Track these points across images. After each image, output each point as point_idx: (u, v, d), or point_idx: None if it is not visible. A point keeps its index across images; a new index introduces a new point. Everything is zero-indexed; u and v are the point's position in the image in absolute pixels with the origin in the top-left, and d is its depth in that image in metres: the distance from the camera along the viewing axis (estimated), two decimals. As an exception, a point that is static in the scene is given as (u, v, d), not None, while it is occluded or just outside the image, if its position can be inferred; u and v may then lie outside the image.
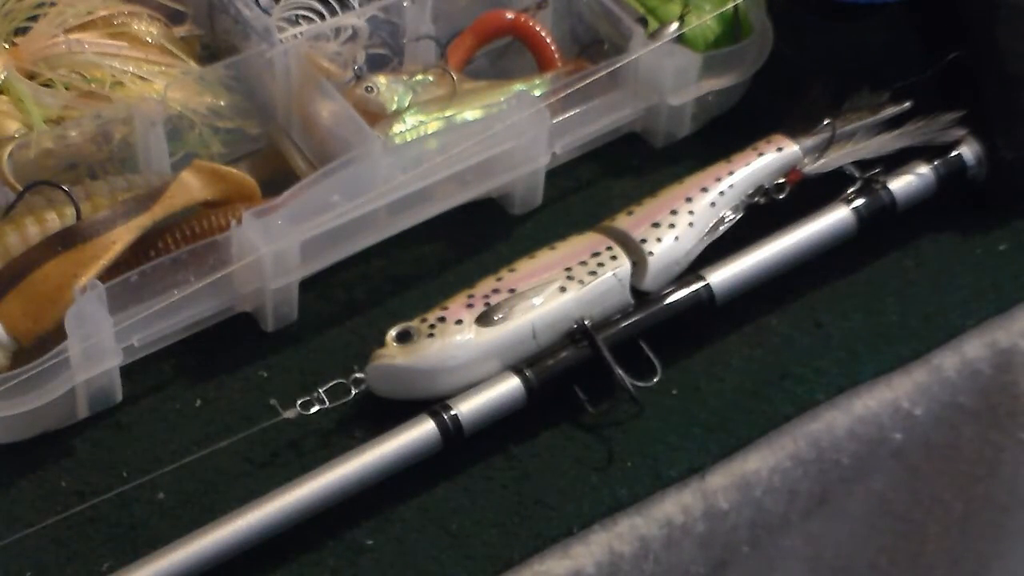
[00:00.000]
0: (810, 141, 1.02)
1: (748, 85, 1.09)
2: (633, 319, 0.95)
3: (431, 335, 0.91)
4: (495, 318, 0.92)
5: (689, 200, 0.99)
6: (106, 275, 0.91)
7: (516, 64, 1.10)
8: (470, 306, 0.93)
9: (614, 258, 0.95)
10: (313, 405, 0.90)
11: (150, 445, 0.91)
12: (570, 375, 0.92)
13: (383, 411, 0.91)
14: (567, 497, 0.89)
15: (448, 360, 0.91)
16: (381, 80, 1.03)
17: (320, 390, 0.90)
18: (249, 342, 0.96)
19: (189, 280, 0.91)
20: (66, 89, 1.00)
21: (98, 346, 0.88)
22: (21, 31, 1.02)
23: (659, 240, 0.97)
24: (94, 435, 0.91)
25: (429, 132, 1.01)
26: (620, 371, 0.92)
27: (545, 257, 0.96)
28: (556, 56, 1.08)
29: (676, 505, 0.91)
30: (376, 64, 1.06)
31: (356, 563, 0.86)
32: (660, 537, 0.90)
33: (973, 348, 0.99)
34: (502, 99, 1.03)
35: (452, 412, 0.89)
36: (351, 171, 0.95)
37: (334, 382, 0.91)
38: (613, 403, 0.93)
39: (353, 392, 0.91)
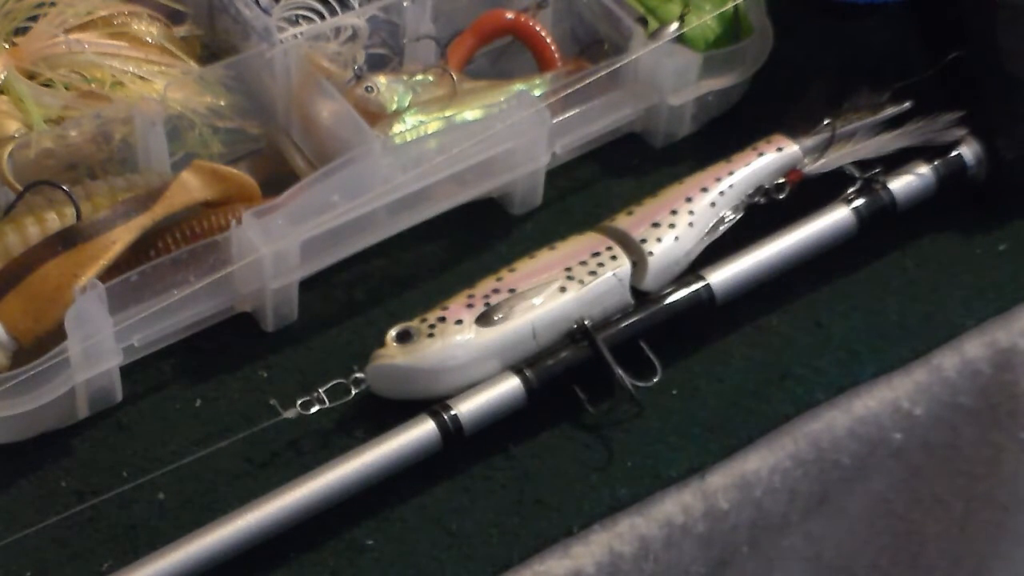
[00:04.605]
0: (810, 141, 1.02)
1: (748, 85, 1.09)
2: (633, 319, 0.95)
3: (431, 335, 0.91)
4: (495, 318, 0.92)
5: (689, 200, 0.99)
6: (106, 275, 0.91)
7: (516, 64, 1.10)
8: (470, 306, 0.93)
9: (614, 258, 0.95)
10: (313, 405, 0.90)
11: (150, 445, 0.91)
12: (570, 375, 0.92)
13: (383, 411, 0.91)
14: (567, 497, 0.89)
15: (448, 360, 0.91)
16: (381, 80, 1.03)
17: (320, 390, 0.90)
18: (249, 342, 0.96)
19: (189, 280, 0.91)
20: (66, 89, 1.00)
21: (98, 346, 0.88)
22: (21, 31, 1.02)
23: (659, 240, 0.97)
24: (94, 435, 0.91)
25: (429, 132, 1.01)
26: (620, 371, 0.92)
27: (545, 257, 0.96)
28: (556, 56, 1.08)
29: (676, 505, 0.91)
30: (376, 64, 1.06)
31: (356, 563, 0.86)
32: (660, 537, 0.90)
33: (973, 348, 0.99)
34: (502, 99, 1.03)
35: (452, 412, 0.89)
36: (351, 171, 0.95)
37: (334, 382, 0.91)
38: (613, 403, 0.93)
39: (353, 392, 0.91)
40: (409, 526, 0.88)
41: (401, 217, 0.98)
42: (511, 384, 0.91)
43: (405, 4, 1.06)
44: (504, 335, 0.92)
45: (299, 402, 0.90)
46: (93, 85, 1.00)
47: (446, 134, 1.00)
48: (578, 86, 1.01)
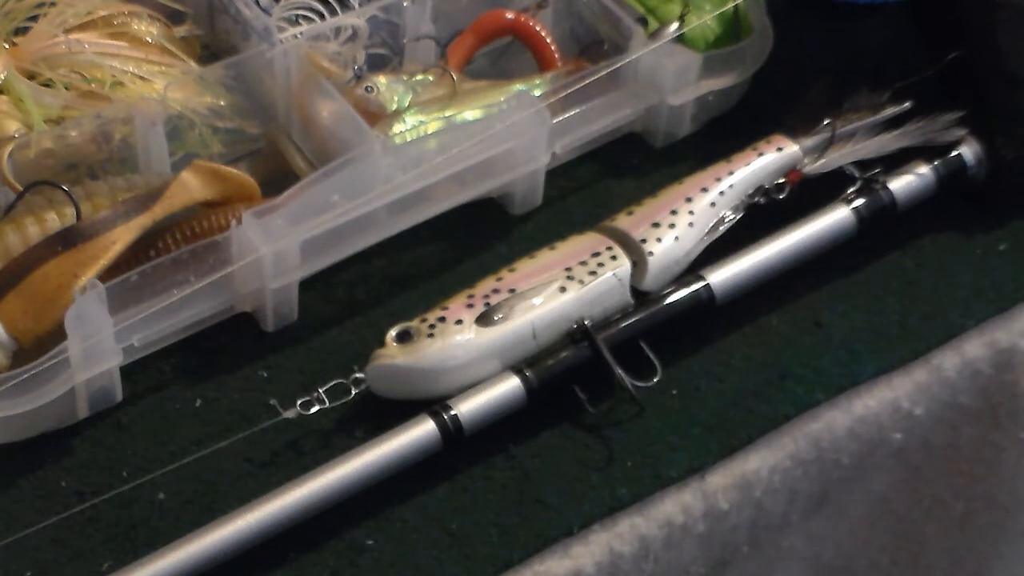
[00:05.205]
0: (810, 141, 1.02)
1: (748, 85, 1.09)
2: (633, 319, 0.95)
3: (431, 335, 0.91)
4: (495, 318, 0.92)
5: (689, 200, 0.99)
6: (106, 275, 0.91)
7: (516, 64, 1.10)
8: (470, 306, 0.93)
9: (614, 258, 0.95)
10: (313, 405, 0.90)
11: (150, 445, 0.91)
12: (570, 375, 0.92)
13: (383, 411, 0.91)
14: (567, 497, 0.89)
15: (448, 360, 0.91)
16: (381, 80, 1.03)
17: (320, 390, 0.90)
18: (249, 342, 0.96)
19: (189, 280, 0.91)
20: (66, 89, 1.00)
21: (98, 346, 0.88)
22: (21, 31, 1.02)
23: (659, 240, 0.97)
24: (94, 435, 0.91)
25: (429, 132, 1.01)
26: (620, 371, 0.92)
27: (545, 257, 0.96)
28: (556, 56, 1.08)
29: (676, 505, 0.91)
30: (376, 64, 1.06)
31: (356, 563, 0.86)
32: (660, 537, 0.90)
33: (973, 348, 0.99)
34: (502, 99, 1.03)
35: (452, 412, 0.89)
36: (351, 171, 0.95)
37: (334, 382, 0.91)
38: (613, 403, 0.93)
39: (353, 392, 0.91)
40: (409, 526, 0.88)
41: (401, 217, 0.98)
42: (511, 384, 0.91)
43: (405, 4, 1.06)
44: (504, 335, 0.92)
45: (299, 402, 0.90)
46: (93, 85, 1.00)
47: (446, 134, 1.00)
48: (578, 86, 1.01)
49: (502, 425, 0.91)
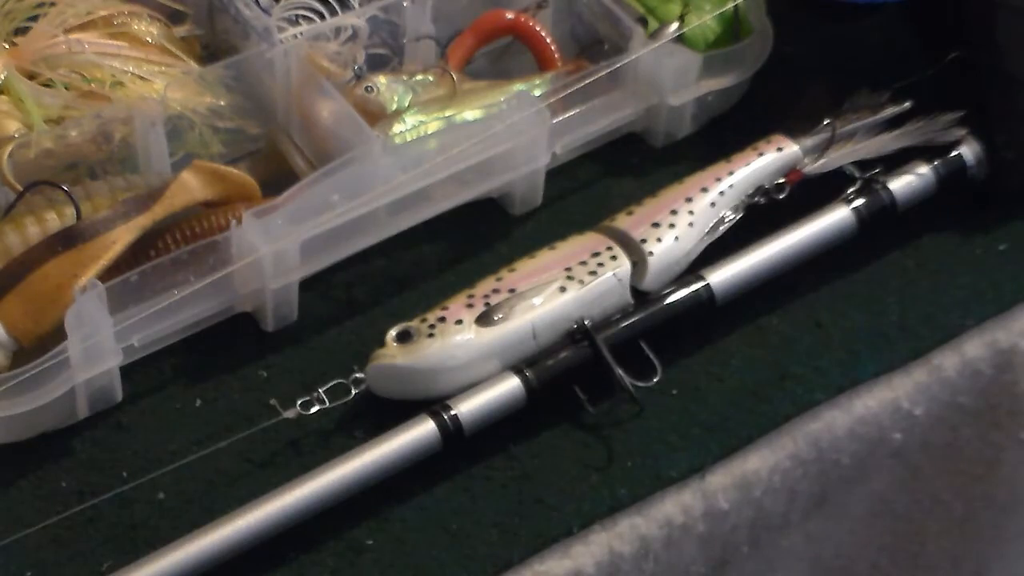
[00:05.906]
0: (810, 141, 1.02)
1: (748, 85, 1.09)
2: (633, 319, 0.95)
3: (431, 335, 0.91)
4: (495, 318, 0.92)
5: (689, 200, 0.99)
6: (106, 275, 0.91)
7: (516, 64, 1.10)
8: (470, 306, 0.93)
9: (614, 258, 0.95)
10: (313, 405, 0.90)
11: (150, 445, 0.91)
12: (570, 375, 0.92)
13: (383, 411, 0.91)
14: (567, 497, 0.89)
15: (448, 360, 0.91)
16: (381, 80, 1.03)
17: (320, 390, 0.90)
18: (249, 342, 0.96)
19: (189, 280, 0.91)
20: (66, 89, 1.00)
21: (98, 346, 0.88)
22: (21, 31, 1.02)
23: (659, 240, 0.97)
24: (94, 435, 0.91)
25: (429, 132, 1.01)
26: (620, 371, 0.92)
27: (545, 257, 0.96)
28: (556, 56, 1.08)
29: (676, 505, 0.91)
30: (376, 64, 1.06)
31: (356, 563, 0.86)
32: (660, 537, 0.90)
33: (973, 348, 0.99)
34: (502, 99, 1.03)
35: (452, 412, 0.89)
36: (351, 171, 0.95)
37: (334, 382, 0.91)
38: (613, 403, 0.93)
39: (353, 392, 0.91)
40: (409, 526, 0.88)
41: (401, 217, 0.98)
42: (511, 384, 0.91)
43: (405, 4, 1.06)
44: (504, 335, 0.92)
45: (299, 402, 0.90)
46: (93, 85, 1.00)
47: (446, 134, 1.00)
48: (578, 86, 1.01)
49: (502, 425, 0.91)
